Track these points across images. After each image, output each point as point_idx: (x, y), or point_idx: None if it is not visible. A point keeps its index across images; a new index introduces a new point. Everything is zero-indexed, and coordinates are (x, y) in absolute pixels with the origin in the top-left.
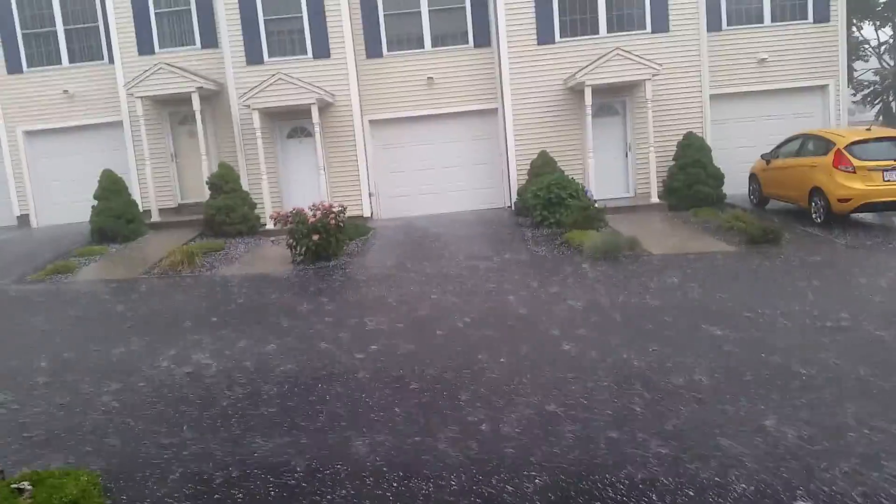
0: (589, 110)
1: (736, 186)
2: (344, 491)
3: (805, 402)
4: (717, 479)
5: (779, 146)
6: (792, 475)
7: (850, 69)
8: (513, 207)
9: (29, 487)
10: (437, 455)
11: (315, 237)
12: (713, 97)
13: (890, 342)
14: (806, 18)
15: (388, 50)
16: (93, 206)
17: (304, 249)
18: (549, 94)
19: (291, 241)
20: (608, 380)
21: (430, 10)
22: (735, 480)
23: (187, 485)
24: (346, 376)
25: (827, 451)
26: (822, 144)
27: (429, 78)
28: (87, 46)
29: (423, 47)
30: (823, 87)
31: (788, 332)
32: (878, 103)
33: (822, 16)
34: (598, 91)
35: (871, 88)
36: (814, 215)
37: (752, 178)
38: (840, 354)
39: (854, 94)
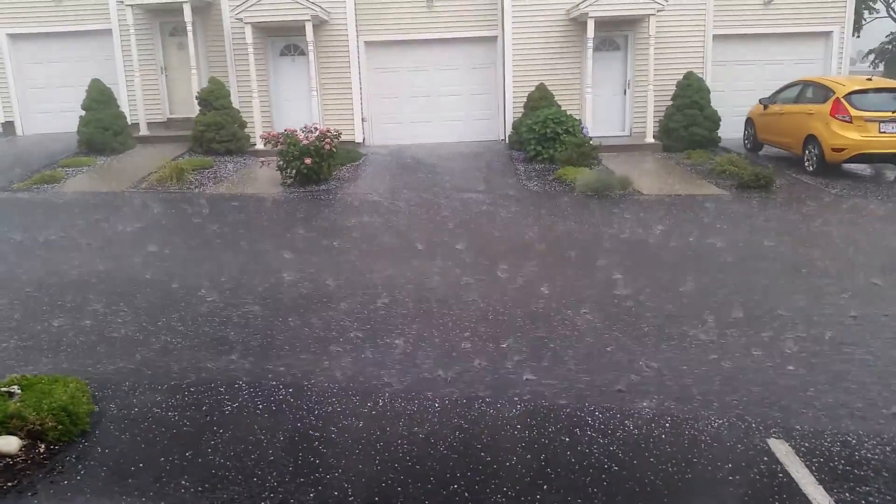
0: (590, 43)
1: (732, 130)
2: None
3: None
4: None
5: (777, 91)
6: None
7: (859, 17)
8: (507, 141)
9: (18, 391)
10: None
11: (307, 160)
12: (716, 37)
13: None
14: None
15: None
16: (80, 117)
17: (294, 172)
18: (550, 24)
19: (282, 162)
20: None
21: None
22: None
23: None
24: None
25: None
26: (822, 92)
27: (428, 0)
28: None
29: None
30: (828, 34)
31: (754, 273)
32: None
33: None
34: (600, 24)
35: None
36: (806, 163)
37: (749, 122)
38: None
39: (867, 55)
